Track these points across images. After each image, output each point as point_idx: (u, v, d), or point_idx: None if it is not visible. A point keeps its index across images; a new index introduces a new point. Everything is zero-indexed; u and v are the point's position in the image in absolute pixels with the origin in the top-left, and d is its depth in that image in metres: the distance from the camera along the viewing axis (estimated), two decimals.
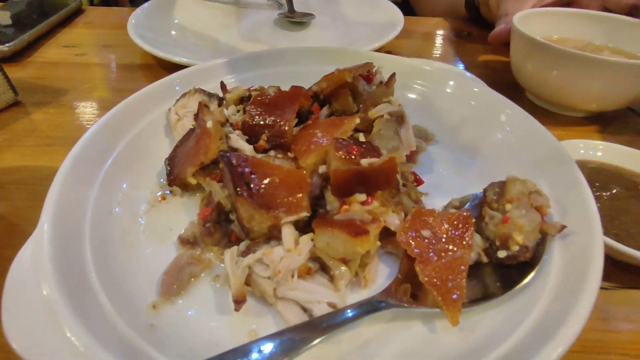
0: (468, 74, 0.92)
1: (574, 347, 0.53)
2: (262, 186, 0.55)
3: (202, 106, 0.67)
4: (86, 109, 0.99)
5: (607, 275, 0.62)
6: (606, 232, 0.62)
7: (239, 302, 0.49)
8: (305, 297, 0.49)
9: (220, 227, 0.58)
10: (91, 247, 0.55)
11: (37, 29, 1.28)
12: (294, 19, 1.40)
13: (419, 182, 0.67)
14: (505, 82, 1.13)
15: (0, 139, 0.86)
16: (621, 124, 0.99)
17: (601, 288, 0.60)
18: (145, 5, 1.37)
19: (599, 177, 0.73)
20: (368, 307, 0.48)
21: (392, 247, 0.59)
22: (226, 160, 0.56)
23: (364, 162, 0.55)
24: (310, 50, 0.95)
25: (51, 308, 0.43)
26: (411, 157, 0.74)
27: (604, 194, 0.70)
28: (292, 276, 0.50)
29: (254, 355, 0.38)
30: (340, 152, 0.55)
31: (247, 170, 0.56)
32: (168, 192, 0.69)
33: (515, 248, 0.52)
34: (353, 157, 0.56)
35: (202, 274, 0.56)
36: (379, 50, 1.17)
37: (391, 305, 0.49)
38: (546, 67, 0.93)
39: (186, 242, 0.59)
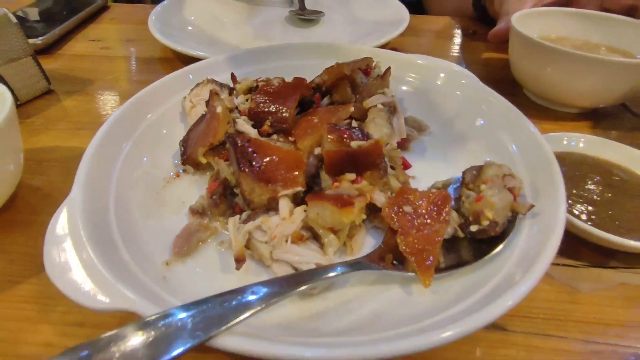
0: (458, 66, 0.97)
1: (540, 314, 0.60)
2: (263, 164, 0.62)
3: (213, 94, 0.75)
4: (110, 97, 1.08)
5: (578, 255, 0.67)
6: (581, 216, 0.67)
7: (239, 261, 0.56)
8: (296, 259, 0.56)
9: (226, 200, 0.66)
10: (115, 216, 0.63)
11: (67, 24, 1.38)
12: (304, 17, 1.47)
13: (406, 165, 0.74)
14: (505, 79, 1.18)
15: (37, 123, 0.96)
16: (614, 120, 1.03)
17: (570, 266, 0.67)
18: (165, 2, 1.46)
19: (580, 166, 0.78)
20: (351, 267, 0.55)
21: (378, 222, 0.66)
22: (231, 141, 0.64)
23: (353, 144, 0.62)
24: (314, 45, 1.02)
25: (83, 257, 0.51)
26: (402, 144, 0.80)
27: (584, 182, 0.75)
28: (286, 241, 0.57)
29: (249, 296, 0.45)
30: (332, 135, 0.62)
31: (249, 149, 0.63)
32: (182, 171, 0.77)
33: (486, 223, 0.58)
34: (344, 140, 0.63)
35: (209, 240, 0.64)
36: (384, 46, 1.23)
37: (372, 267, 0.56)
38: (540, 64, 0.97)
39: (196, 212, 0.66)
